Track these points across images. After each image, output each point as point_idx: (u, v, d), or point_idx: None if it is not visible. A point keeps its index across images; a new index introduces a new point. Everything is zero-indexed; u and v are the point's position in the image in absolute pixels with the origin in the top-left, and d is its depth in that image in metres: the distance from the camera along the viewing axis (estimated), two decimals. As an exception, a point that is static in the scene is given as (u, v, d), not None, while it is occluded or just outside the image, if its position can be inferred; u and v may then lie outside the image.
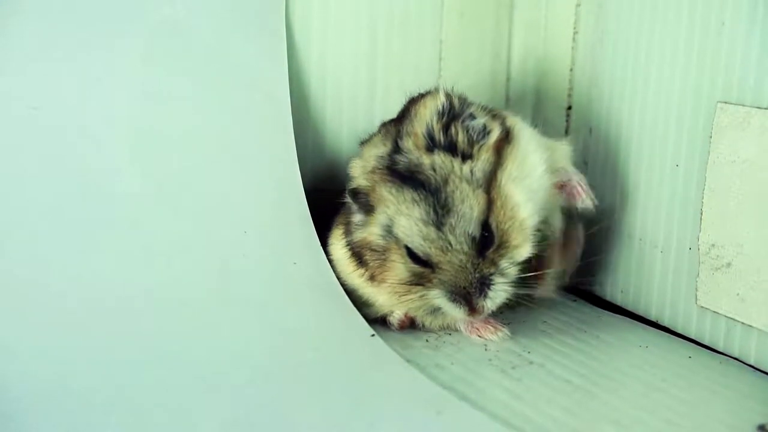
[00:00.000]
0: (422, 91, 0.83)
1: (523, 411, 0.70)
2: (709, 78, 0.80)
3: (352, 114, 0.96)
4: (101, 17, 0.84)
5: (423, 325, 0.84)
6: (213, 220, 0.83)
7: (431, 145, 0.77)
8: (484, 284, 0.76)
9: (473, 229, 0.75)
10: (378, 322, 0.84)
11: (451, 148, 0.77)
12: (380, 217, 0.78)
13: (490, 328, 0.83)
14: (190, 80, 0.87)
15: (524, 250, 0.78)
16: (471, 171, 0.77)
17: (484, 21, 1.02)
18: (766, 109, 0.75)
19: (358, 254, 0.82)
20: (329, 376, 0.73)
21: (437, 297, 0.77)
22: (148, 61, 0.85)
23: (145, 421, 0.66)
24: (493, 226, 0.76)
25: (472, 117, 0.79)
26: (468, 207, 0.75)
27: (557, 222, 0.88)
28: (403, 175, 0.77)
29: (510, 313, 0.86)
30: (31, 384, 0.67)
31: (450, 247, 0.75)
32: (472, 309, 0.76)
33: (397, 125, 0.81)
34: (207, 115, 0.87)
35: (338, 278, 0.84)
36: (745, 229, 0.77)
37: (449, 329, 0.84)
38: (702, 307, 0.82)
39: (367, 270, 0.82)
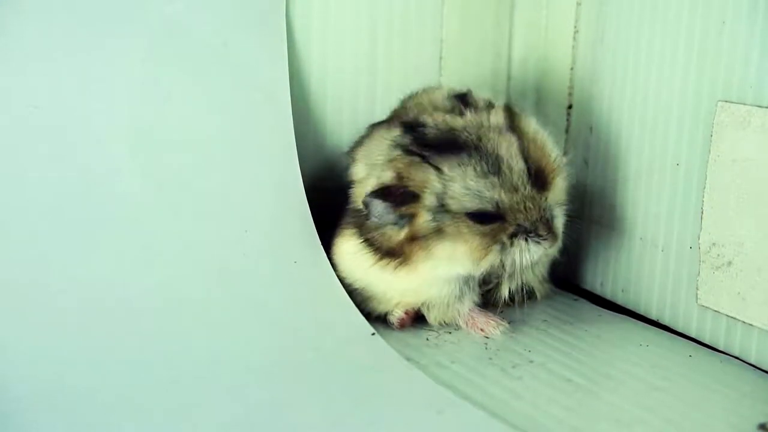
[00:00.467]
0: (414, 91, 0.88)
1: (523, 410, 0.70)
2: (709, 77, 0.80)
3: (353, 113, 0.96)
4: (102, 16, 0.84)
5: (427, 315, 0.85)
6: (213, 219, 0.83)
7: (459, 108, 0.80)
8: (551, 211, 0.79)
9: (523, 164, 0.78)
10: (379, 321, 0.84)
11: (475, 109, 0.80)
12: (428, 199, 0.77)
13: (492, 323, 0.83)
14: (190, 79, 0.87)
15: (561, 176, 0.82)
16: (497, 120, 0.80)
17: (484, 20, 1.02)
18: (766, 107, 0.75)
19: (391, 252, 0.80)
20: (329, 375, 0.74)
21: (516, 245, 0.78)
22: (148, 61, 0.85)
23: (144, 420, 0.66)
24: (530, 155, 0.79)
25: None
26: (506, 148, 0.78)
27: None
28: (438, 145, 0.78)
29: (511, 312, 0.86)
30: (30, 383, 0.68)
31: (515, 189, 0.77)
32: (554, 234, 0.78)
33: (397, 119, 0.82)
34: (207, 115, 0.87)
35: (348, 278, 0.84)
36: (745, 228, 0.77)
37: (450, 326, 0.85)
38: (702, 305, 0.82)
39: (396, 260, 0.80)
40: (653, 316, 0.88)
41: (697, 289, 0.82)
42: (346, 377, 0.74)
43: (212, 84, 0.88)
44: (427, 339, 0.83)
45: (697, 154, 0.82)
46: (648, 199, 0.87)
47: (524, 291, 0.87)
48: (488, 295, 0.85)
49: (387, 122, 0.85)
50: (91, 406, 0.66)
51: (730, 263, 0.79)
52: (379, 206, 0.77)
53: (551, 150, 0.83)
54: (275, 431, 0.66)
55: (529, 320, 0.87)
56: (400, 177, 0.78)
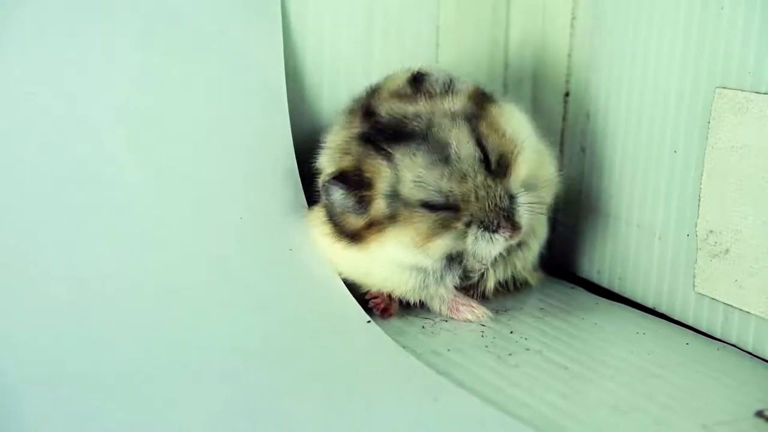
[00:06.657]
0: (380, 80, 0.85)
1: (519, 397, 0.70)
2: (707, 63, 0.80)
3: (349, 100, 0.95)
4: (98, 3, 0.84)
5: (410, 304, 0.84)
6: (208, 206, 0.83)
7: (413, 93, 0.79)
8: (510, 199, 0.77)
9: (476, 151, 0.76)
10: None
11: (429, 95, 0.79)
12: (381, 186, 0.77)
13: (473, 308, 0.83)
14: (186, 67, 0.87)
15: (523, 161, 0.79)
16: (451, 108, 0.78)
17: (481, 7, 1.01)
18: (764, 94, 0.75)
19: (353, 236, 0.80)
20: (325, 362, 0.73)
21: (471, 234, 0.77)
22: (144, 47, 0.85)
23: (141, 406, 0.66)
24: (486, 141, 0.77)
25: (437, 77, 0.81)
26: (456, 135, 0.76)
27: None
28: (390, 133, 0.77)
29: (507, 299, 0.86)
30: (26, 370, 0.67)
31: (466, 178, 0.76)
32: (513, 224, 0.76)
33: (360, 108, 0.82)
34: (203, 101, 0.87)
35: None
36: (743, 215, 0.77)
37: (434, 312, 0.85)
38: (700, 293, 0.82)
39: (356, 243, 0.81)
40: (650, 304, 0.88)
41: (694, 276, 0.82)
42: (342, 365, 0.74)
43: (208, 71, 0.88)
44: (423, 327, 0.83)
45: (694, 140, 0.81)
46: (645, 186, 0.87)
47: (515, 282, 0.88)
48: (477, 286, 0.85)
49: (351, 112, 0.84)
50: (88, 392, 0.66)
51: (727, 251, 0.78)
52: (336, 191, 0.78)
53: (513, 134, 0.79)
54: (270, 419, 0.66)
55: (526, 308, 0.87)
56: (356, 165, 0.78)
